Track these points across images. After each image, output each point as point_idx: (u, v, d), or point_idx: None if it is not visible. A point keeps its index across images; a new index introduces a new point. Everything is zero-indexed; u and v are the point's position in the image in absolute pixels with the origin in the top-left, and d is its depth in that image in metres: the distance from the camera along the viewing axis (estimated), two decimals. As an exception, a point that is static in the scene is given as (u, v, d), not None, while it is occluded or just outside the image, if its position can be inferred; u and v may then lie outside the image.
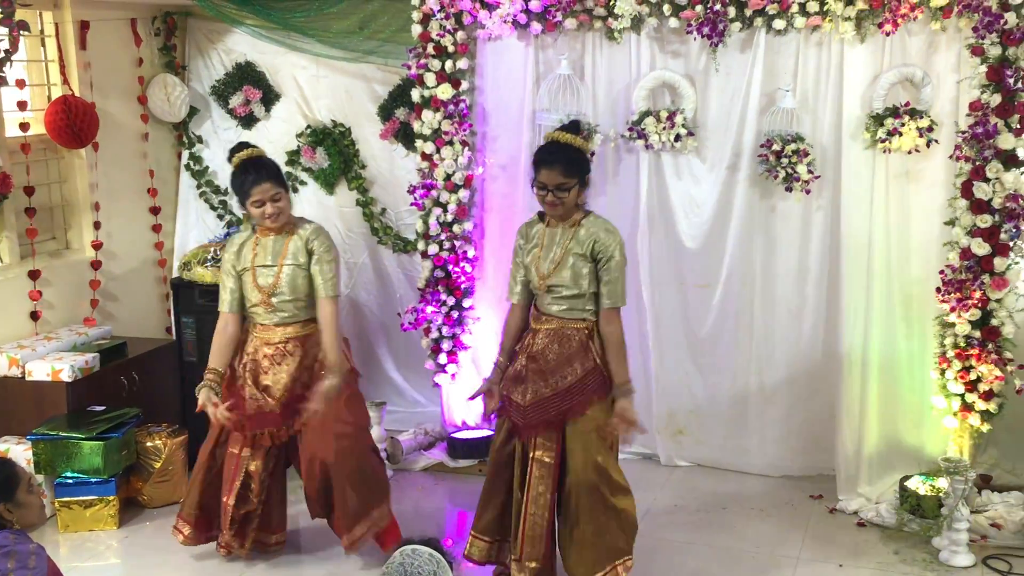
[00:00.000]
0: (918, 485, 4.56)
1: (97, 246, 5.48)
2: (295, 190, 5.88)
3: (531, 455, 3.78)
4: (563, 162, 3.71)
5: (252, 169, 4.07)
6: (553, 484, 3.78)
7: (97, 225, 5.49)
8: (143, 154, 5.87)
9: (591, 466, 3.74)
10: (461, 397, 5.48)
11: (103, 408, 4.86)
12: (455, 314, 5.29)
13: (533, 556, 3.78)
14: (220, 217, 6.06)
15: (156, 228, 5.96)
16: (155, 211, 5.94)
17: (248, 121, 5.93)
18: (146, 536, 4.69)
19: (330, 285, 4.12)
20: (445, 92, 5.09)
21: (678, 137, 4.87)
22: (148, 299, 5.95)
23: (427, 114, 5.14)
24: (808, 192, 4.75)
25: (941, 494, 4.38)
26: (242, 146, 4.21)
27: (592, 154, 3.78)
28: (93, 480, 4.67)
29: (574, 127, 3.86)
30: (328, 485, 4.11)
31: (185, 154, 6.07)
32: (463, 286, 5.28)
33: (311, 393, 4.05)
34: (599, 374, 3.76)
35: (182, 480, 5.02)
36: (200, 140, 6.05)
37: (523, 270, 3.91)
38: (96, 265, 5.48)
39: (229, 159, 4.18)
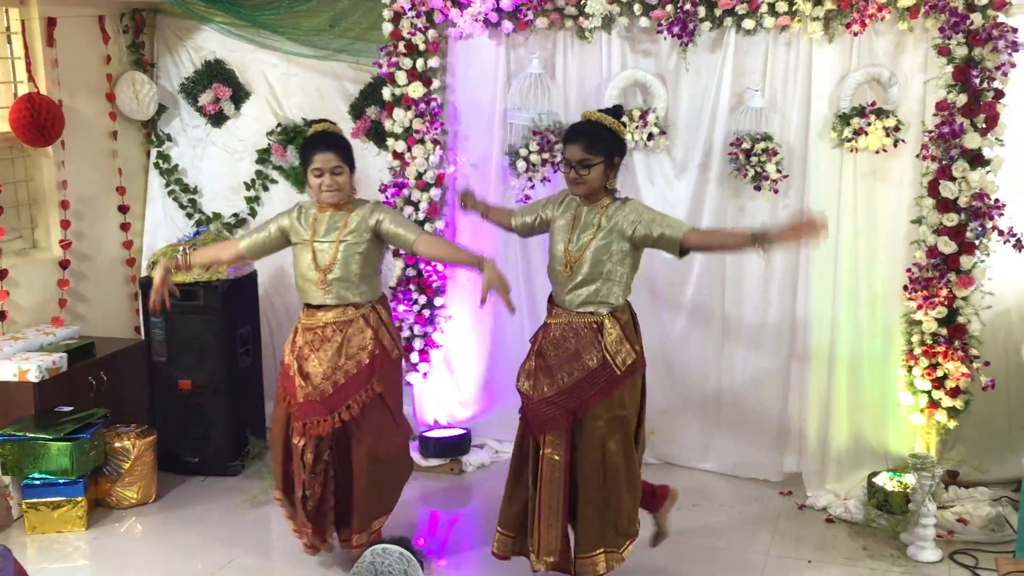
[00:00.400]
0: (886, 481, 4.61)
1: (65, 245, 5.43)
2: (265, 188, 5.84)
3: (542, 452, 3.78)
4: (586, 138, 3.69)
5: (321, 139, 4.03)
6: (564, 481, 3.76)
7: (65, 224, 5.43)
8: (111, 152, 5.82)
9: (597, 461, 3.74)
10: (433, 396, 5.49)
11: (71, 408, 4.81)
12: (427, 313, 5.28)
13: (549, 551, 3.79)
14: (189, 216, 6.01)
15: (125, 227, 5.91)
16: (124, 209, 5.89)
17: (218, 119, 5.89)
18: (115, 537, 4.65)
19: (411, 226, 4.05)
20: (416, 90, 5.08)
21: (651, 136, 4.89)
22: (117, 298, 5.90)
23: (398, 112, 5.13)
24: (776, 191, 4.78)
25: (908, 490, 4.43)
26: (319, 121, 4.21)
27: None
28: (61, 481, 4.63)
29: (614, 110, 3.84)
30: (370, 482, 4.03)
31: (154, 152, 6.02)
32: (435, 285, 5.28)
33: (355, 381, 3.97)
34: (608, 369, 3.73)
35: (152, 481, 4.98)
36: (169, 138, 6.01)
37: (540, 218, 3.96)
38: (64, 264, 5.43)
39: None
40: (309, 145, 4.04)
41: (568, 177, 3.77)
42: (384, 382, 4.07)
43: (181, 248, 4.07)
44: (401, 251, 5.22)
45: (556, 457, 3.75)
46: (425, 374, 5.37)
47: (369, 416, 4.03)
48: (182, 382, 5.26)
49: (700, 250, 3.89)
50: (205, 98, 5.84)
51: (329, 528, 4.14)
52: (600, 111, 3.81)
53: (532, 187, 5.08)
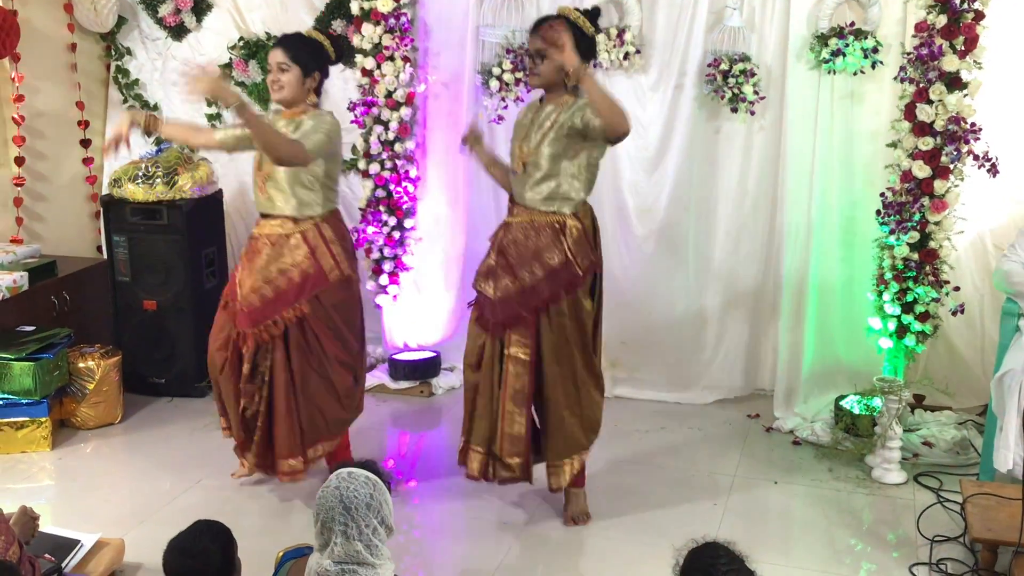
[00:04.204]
0: (853, 404, 4.65)
1: (20, 162, 5.26)
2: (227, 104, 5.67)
3: (506, 352, 3.75)
4: (545, 28, 3.61)
5: (277, 39, 3.96)
6: (530, 381, 3.74)
7: (19, 140, 5.26)
8: (70, 65, 5.62)
9: (563, 360, 3.73)
10: (403, 319, 5.45)
11: (33, 328, 4.73)
12: (396, 235, 5.21)
13: (513, 452, 3.77)
14: (148, 133, 5.84)
15: (85, 143, 5.74)
16: (83, 125, 5.72)
17: (178, 32, 5.69)
18: (80, 458, 4.61)
19: (297, 139, 3.75)
20: (386, 5, 4.93)
21: (627, 55, 4.79)
22: (78, 217, 5.76)
23: (367, 28, 4.99)
24: (753, 113, 4.73)
25: (875, 413, 4.47)
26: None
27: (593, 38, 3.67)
28: (24, 401, 4.56)
29: (592, 11, 3.70)
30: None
31: (113, 66, 5.83)
32: (405, 206, 5.19)
33: (282, 298, 3.84)
34: (570, 268, 3.70)
35: (117, 401, 4.93)
36: (129, 52, 5.81)
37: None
38: (19, 182, 5.27)
39: None
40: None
41: (529, 69, 3.71)
42: (318, 304, 3.90)
43: (152, 114, 3.90)
44: (369, 170, 5.13)
45: (523, 356, 3.72)
46: (395, 296, 5.32)
47: (304, 336, 3.89)
48: (147, 302, 5.19)
49: (606, 126, 3.57)
50: (165, 9, 5.63)
51: (253, 447, 3.98)
52: (576, 9, 3.69)
53: (506, 107, 4.98)
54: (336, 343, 3.98)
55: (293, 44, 3.90)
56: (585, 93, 3.57)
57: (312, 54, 3.92)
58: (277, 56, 3.86)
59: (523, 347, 3.72)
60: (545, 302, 3.70)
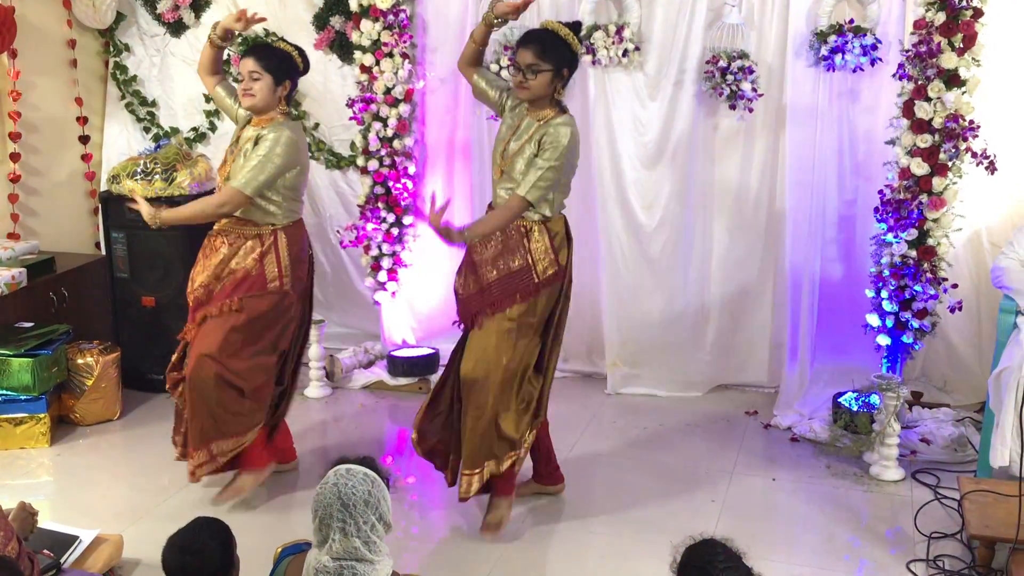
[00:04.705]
0: (851, 402, 4.65)
1: (15, 158, 5.25)
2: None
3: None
4: (539, 43, 3.62)
5: (247, 48, 3.99)
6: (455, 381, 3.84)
7: (15, 136, 5.25)
8: (69, 62, 5.62)
9: (484, 363, 3.69)
10: (401, 316, 5.45)
11: (31, 324, 4.73)
12: (395, 231, 5.21)
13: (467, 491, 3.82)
14: (146, 130, 5.84)
15: (83, 139, 5.74)
16: (82, 122, 5.71)
17: (177, 28, 5.68)
18: (79, 454, 4.62)
19: (241, 174, 3.79)
20: (384, 1, 4.93)
21: (625, 52, 4.78)
22: (76, 213, 5.76)
23: (366, 24, 4.99)
24: (751, 110, 4.72)
25: (873, 410, 4.47)
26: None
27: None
28: (23, 398, 4.56)
29: (574, 25, 3.73)
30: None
31: (111, 62, 5.82)
32: (404, 203, 5.19)
33: (222, 293, 3.89)
34: (527, 274, 3.68)
35: (115, 398, 4.93)
36: (127, 48, 5.80)
37: (499, 101, 3.81)
38: (15, 179, 5.26)
39: None
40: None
41: (515, 80, 3.69)
42: (246, 305, 3.89)
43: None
44: (368, 167, 5.13)
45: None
46: (393, 293, 5.32)
47: (214, 326, 3.90)
48: (145, 299, 5.19)
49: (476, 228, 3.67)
50: (164, 5, 5.62)
51: (181, 434, 4.05)
52: (560, 23, 3.71)
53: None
54: (250, 351, 3.95)
55: (264, 53, 3.91)
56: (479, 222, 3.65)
57: (282, 64, 3.91)
58: (249, 65, 3.86)
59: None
60: (492, 304, 3.70)
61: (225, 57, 5.56)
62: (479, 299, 3.73)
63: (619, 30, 4.78)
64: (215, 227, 4.00)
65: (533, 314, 3.72)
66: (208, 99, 5.66)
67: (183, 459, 4.09)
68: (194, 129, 5.77)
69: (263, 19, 3.96)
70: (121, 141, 5.84)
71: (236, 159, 3.90)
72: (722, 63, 4.66)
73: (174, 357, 4.09)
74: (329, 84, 5.51)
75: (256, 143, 3.85)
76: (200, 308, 3.96)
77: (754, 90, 4.68)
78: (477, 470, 3.75)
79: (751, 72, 4.67)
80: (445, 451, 3.93)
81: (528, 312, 3.70)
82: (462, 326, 3.88)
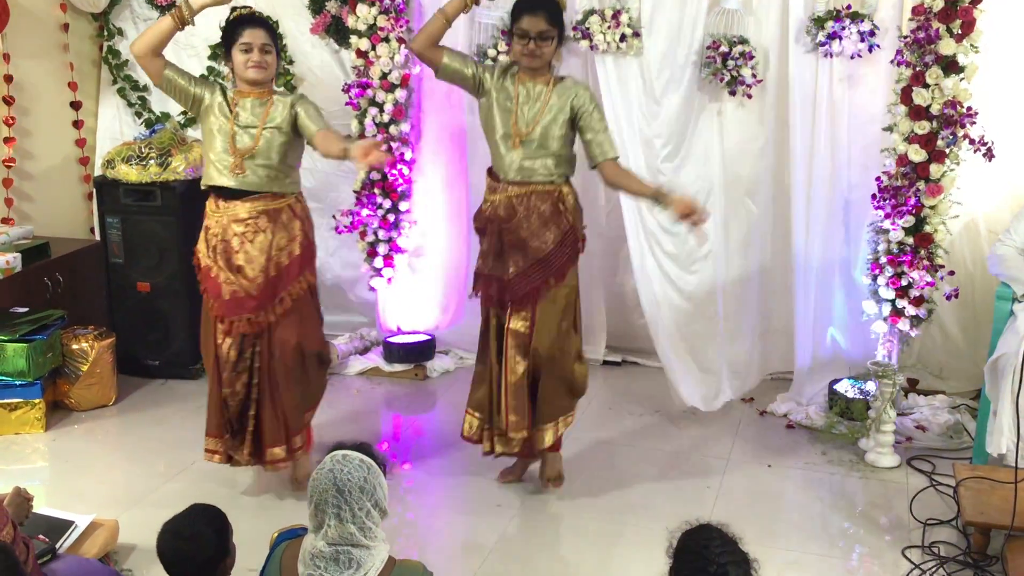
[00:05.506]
0: (847, 388, 4.65)
1: (10, 142, 5.22)
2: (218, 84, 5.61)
3: (507, 326, 3.83)
4: (547, 9, 3.68)
5: (250, 16, 3.88)
6: (526, 352, 3.84)
7: (9, 120, 5.22)
8: (62, 46, 5.57)
9: (557, 333, 3.83)
10: (397, 302, 5.43)
11: (26, 310, 4.71)
12: (391, 217, 5.20)
13: (520, 427, 3.87)
14: (138, 115, 5.79)
15: (78, 124, 5.70)
16: (76, 106, 5.68)
17: (169, 11, 5.62)
18: (74, 439, 4.61)
19: (319, 120, 3.82)
20: (381, -15, 4.90)
21: (623, 37, 4.75)
22: (70, 198, 5.72)
23: (362, 8, 4.95)
24: (750, 96, 4.70)
25: (869, 397, 4.47)
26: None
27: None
28: (17, 383, 4.55)
29: None
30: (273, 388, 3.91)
31: (104, 46, 5.78)
32: (400, 189, 5.17)
33: (288, 273, 3.85)
34: (573, 237, 3.82)
35: (111, 383, 4.92)
36: (120, 32, 5.76)
37: (476, 76, 3.83)
38: (9, 163, 5.23)
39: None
40: (237, 22, 3.85)
41: (525, 49, 3.71)
42: (313, 275, 4.01)
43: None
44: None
45: (523, 329, 3.82)
46: (389, 279, 5.31)
47: (299, 310, 3.91)
48: (140, 284, 5.17)
49: (606, 180, 3.85)
50: (157, -12, 5.59)
51: (247, 437, 3.93)
52: None
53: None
54: (315, 322, 4.04)
55: (270, 26, 3.91)
56: (630, 189, 3.88)
57: (277, 36, 3.95)
58: (260, 37, 3.80)
59: (524, 320, 3.82)
60: (556, 274, 3.79)
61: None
62: (540, 272, 3.78)
63: (616, 15, 4.73)
64: (247, 208, 3.82)
65: (576, 276, 3.91)
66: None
67: (231, 463, 4.00)
68: (183, 113, 5.72)
69: None
70: (114, 126, 5.80)
71: (261, 134, 3.78)
72: (723, 48, 4.63)
73: (218, 420, 3.91)
74: (326, 68, 5.48)
75: (294, 112, 3.82)
76: (266, 296, 3.83)
77: (753, 76, 4.66)
78: (551, 424, 3.93)
79: (751, 58, 4.64)
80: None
81: (576, 272, 3.90)
82: (496, 304, 3.89)
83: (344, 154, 3.64)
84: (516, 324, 3.82)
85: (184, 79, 3.90)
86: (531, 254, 3.77)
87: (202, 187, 3.92)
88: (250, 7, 4.00)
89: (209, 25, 5.58)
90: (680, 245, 4.87)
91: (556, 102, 3.75)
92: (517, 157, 3.77)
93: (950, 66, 4.20)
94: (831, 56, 4.51)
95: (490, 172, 3.93)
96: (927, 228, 4.34)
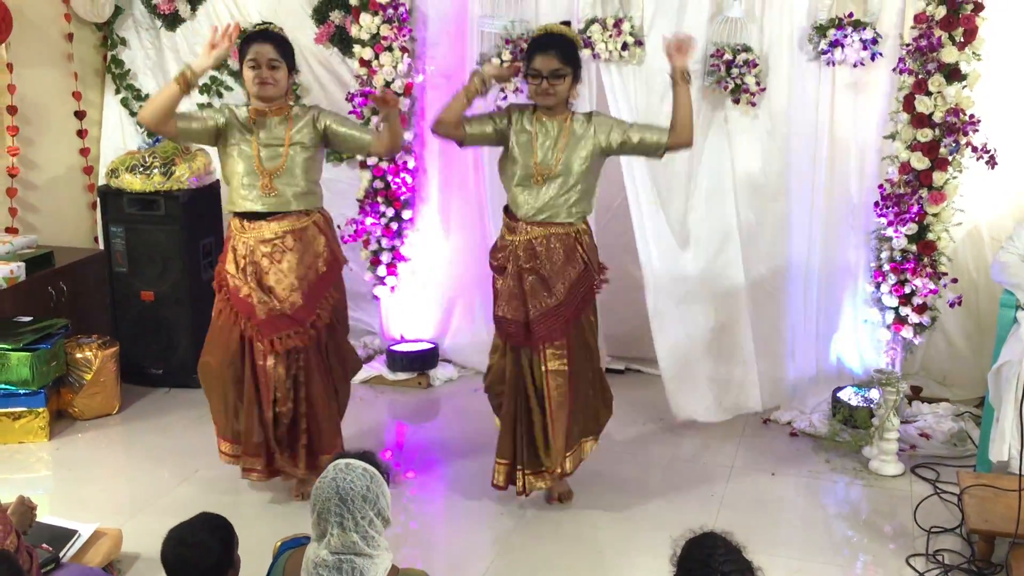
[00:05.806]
0: (851, 396, 4.65)
1: (13, 152, 5.23)
2: (219, 95, 5.62)
3: (544, 368, 3.81)
4: (559, 48, 3.72)
5: (259, 33, 3.89)
6: (571, 388, 3.85)
7: (13, 130, 5.23)
8: (66, 55, 5.60)
9: (587, 358, 3.91)
10: (400, 310, 5.44)
11: (30, 319, 4.72)
12: (394, 226, 5.20)
13: (565, 450, 3.92)
14: (140, 124, 5.81)
15: (82, 133, 5.72)
16: (80, 116, 5.70)
17: (172, 21, 5.65)
18: (78, 448, 4.61)
19: (360, 127, 3.90)
20: (384, -6, 4.92)
21: (625, 46, 4.76)
22: (74, 207, 5.74)
23: (365, 17, 4.97)
24: (754, 104, 4.70)
25: (873, 405, 4.47)
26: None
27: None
28: (21, 392, 4.56)
29: (566, 24, 3.89)
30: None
31: (108, 56, 5.80)
32: (403, 197, 5.18)
33: (317, 290, 3.90)
34: (590, 272, 3.87)
35: (114, 392, 4.93)
36: (123, 42, 5.78)
37: (497, 129, 3.84)
38: (13, 173, 5.24)
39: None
40: (247, 39, 3.87)
41: (539, 89, 3.74)
42: (339, 288, 4.06)
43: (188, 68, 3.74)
44: (368, 161, 5.11)
45: (563, 367, 3.82)
46: (392, 288, 5.32)
47: (331, 329, 4.01)
48: (144, 293, 5.18)
49: (680, 145, 3.88)
50: (160, -4, 5.61)
51: (300, 451, 3.96)
52: (559, 23, 3.84)
53: (504, 98, 4.94)
54: (343, 333, 4.13)
55: (281, 41, 3.88)
56: (680, 106, 3.80)
57: (291, 51, 3.92)
58: (268, 52, 3.79)
59: (560, 359, 3.82)
60: (578, 310, 3.83)
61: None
62: (570, 305, 3.81)
63: (617, 23, 4.74)
64: (273, 228, 3.84)
65: (595, 309, 3.97)
66: (203, 91, 5.59)
67: (266, 478, 4.02)
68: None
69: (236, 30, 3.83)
70: (118, 136, 5.82)
71: (288, 151, 3.81)
72: (727, 56, 4.63)
73: (260, 439, 3.93)
74: (330, 77, 5.49)
75: (320, 127, 3.87)
76: (302, 315, 3.86)
77: (757, 84, 4.66)
78: (587, 439, 4.03)
79: (755, 66, 4.65)
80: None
81: (594, 308, 3.96)
82: (518, 350, 3.88)
83: (390, 127, 3.84)
84: (555, 364, 3.81)
85: (197, 122, 3.86)
86: (554, 294, 3.79)
87: (225, 212, 3.97)
88: (268, 23, 4.00)
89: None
90: (683, 250, 4.87)
91: (578, 135, 3.77)
92: (538, 196, 3.78)
93: (952, 74, 4.20)
94: (833, 64, 4.52)
95: (507, 211, 3.92)
96: (930, 236, 4.33)
